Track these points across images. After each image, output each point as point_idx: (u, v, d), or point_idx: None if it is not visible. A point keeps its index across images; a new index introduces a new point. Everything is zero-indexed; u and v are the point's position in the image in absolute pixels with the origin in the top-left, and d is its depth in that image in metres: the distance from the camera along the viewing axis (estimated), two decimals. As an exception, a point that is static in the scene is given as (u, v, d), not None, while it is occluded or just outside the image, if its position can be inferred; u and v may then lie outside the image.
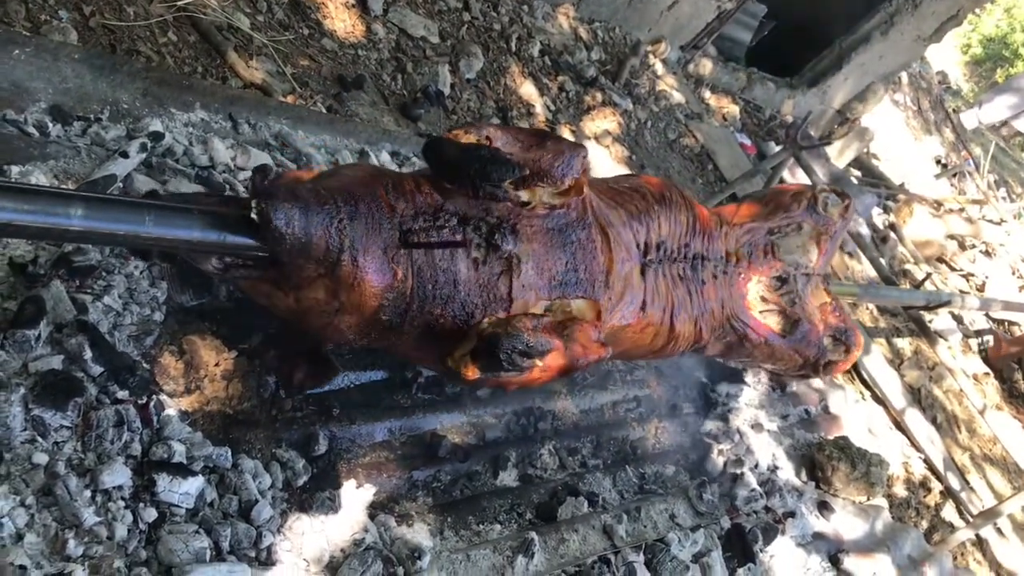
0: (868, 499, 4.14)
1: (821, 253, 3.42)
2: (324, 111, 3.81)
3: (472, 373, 2.11)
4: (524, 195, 2.28)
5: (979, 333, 7.88)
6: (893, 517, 4.36)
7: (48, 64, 2.66)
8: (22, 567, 1.73)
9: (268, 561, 2.11)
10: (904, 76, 12.83)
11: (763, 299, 3.24)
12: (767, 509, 3.63)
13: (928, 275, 6.87)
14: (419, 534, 2.46)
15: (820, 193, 3.42)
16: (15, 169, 2.34)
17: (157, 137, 2.73)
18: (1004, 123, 14.75)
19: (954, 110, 15.10)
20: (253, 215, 1.77)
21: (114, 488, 1.94)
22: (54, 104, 2.62)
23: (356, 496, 2.40)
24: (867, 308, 6.51)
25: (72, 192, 1.57)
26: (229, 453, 2.21)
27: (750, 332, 3.14)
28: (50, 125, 2.56)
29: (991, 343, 7.73)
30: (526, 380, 2.26)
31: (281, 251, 1.84)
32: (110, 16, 3.29)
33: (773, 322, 3.25)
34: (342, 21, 4.44)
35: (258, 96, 3.44)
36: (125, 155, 2.56)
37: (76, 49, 2.79)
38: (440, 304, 2.12)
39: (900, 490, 4.97)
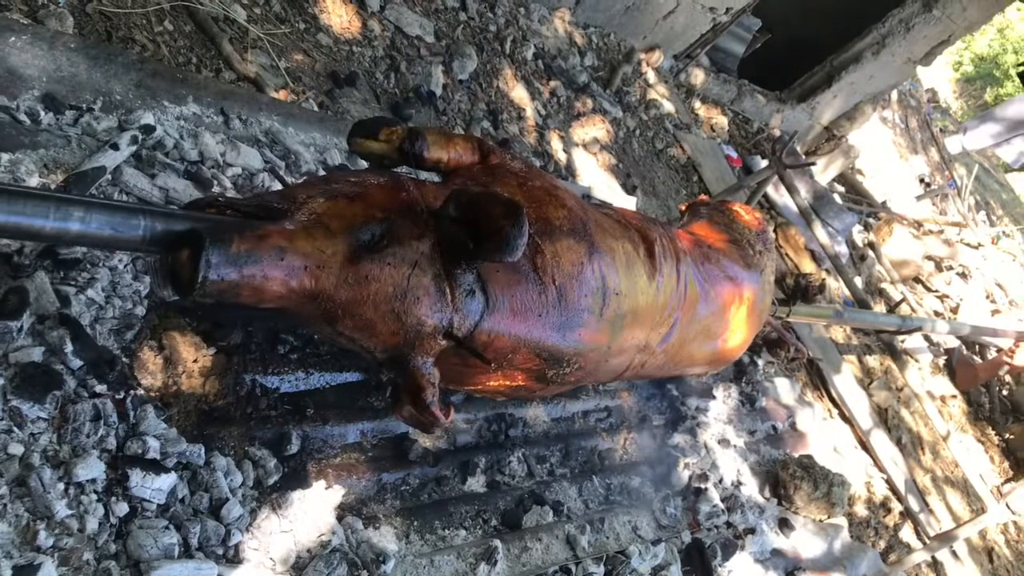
0: (828, 518, 4.23)
1: None
2: (316, 108, 3.83)
3: None
4: None
5: (947, 353, 8.00)
6: (852, 536, 4.46)
7: (44, 52, 2.67)
8: (-8, 556, 1.77)
9: (235, 559, 2.15)
10: (894, 93, 12.94)
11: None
12: (728, 525, 3.70)
13: (903, 299, 6.98)
14: (385, 537, 2.50)
15: None
16: (4, 157, 2.36)
17: (148, 130, 2.75)
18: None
19: (941, 129, 15.24)
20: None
21: (87, 481, 1.98)
22: (47, 92, 2.63)
23: (325, 497, 2.45)
24: (841, 326, 6.60)
25: (69, 196, 1.58)
26: (203, 450, 2.25)
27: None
28: (42, 113, 2.57)
29: (958, 366, 7.85)
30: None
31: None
32: (108, 3, 3.30)
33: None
34: (339, 16, 4.46)
35: (250, 91, 3.46)
36: (115, 147, 2.59)
37: (72, 38, 2.81)
38: None
39: (861, 509, 5.07)
